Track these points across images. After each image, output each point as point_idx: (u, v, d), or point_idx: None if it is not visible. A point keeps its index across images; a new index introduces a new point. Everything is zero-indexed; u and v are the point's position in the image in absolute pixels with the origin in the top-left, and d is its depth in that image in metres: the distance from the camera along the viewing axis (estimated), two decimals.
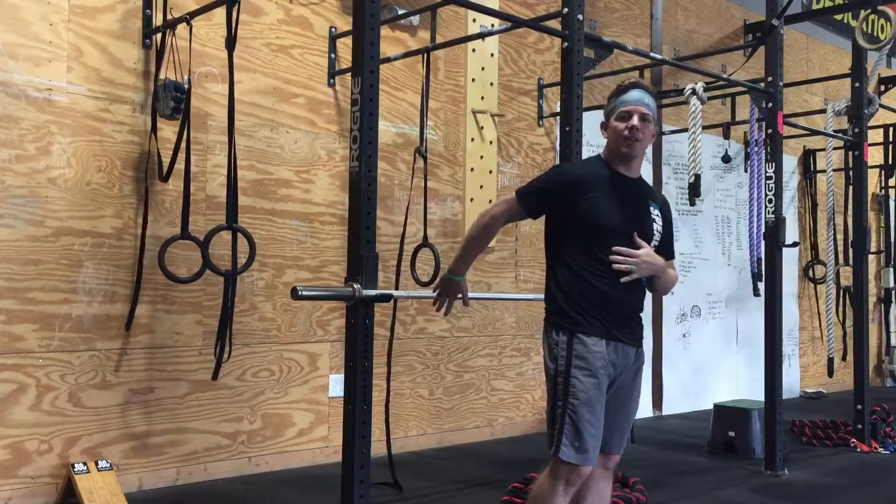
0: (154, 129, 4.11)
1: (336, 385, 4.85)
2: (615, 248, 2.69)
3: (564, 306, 2.72)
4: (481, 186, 5.64)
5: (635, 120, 2.74)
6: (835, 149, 6.68)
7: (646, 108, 2.77)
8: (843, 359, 7.37)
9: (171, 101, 3.98)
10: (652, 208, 2.84)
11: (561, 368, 2.67)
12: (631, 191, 2.81)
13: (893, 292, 8.89)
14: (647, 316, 6.79)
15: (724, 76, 5.50)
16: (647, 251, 2.72)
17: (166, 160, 4.10)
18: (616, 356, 2.71)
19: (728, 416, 5.41)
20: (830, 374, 6.53)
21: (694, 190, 5.16)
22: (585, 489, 2.84)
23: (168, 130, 4.19)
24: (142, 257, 4.08)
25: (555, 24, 4.10)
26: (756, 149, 6.11)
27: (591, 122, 6.32)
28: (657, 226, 2.83)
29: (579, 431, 2.61)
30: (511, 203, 2.83)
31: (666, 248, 2.89)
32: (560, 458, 2.63)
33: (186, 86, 4.02)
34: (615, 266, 2.68)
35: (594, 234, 2.71)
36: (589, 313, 2.68)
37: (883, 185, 8.41)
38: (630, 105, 2.76)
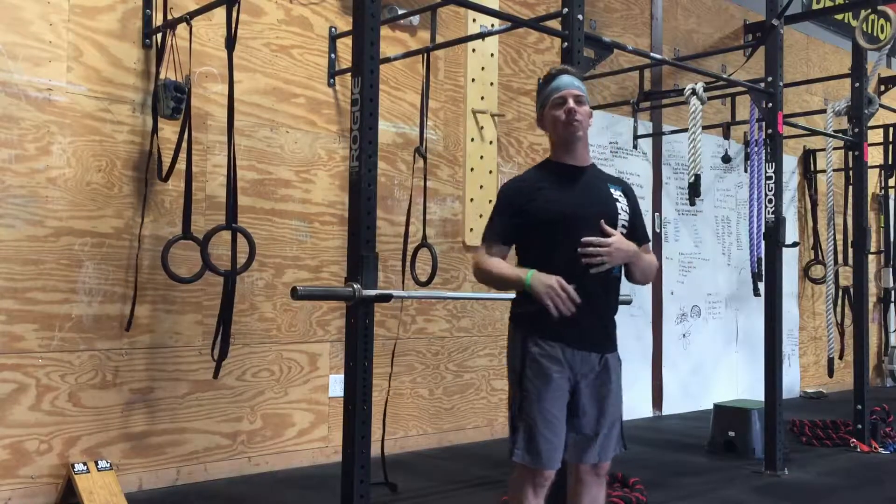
0: (155, 128, 4.11)
1: (336, 385, 4.85)
2: (584, 240, 2.59)
3: (523, 308, 2.71)
4: (481, 186, 5.64)
5: (571, 102, 2.69)
6: (835, 149, 6.68)
7: (577, 90, 2.73)
8: (840, 358, 7.37)
9: (172, 101, 3.98)
10: (613, 190, 2.75)
11: (517, 369, 2.67)
12: (583, 178, 2.74)
13: (893, 292, 8.89)
14: (647, 316, 6.78)
15: (724, 76, 5.51)
16: (617, 238, 2.63)
17: (167, 160, 4.10)
18: (575, 361, 2.64)
19: (728, 416, 5.41)
20: (830, 374, 6.53)
21: (694, 190, 5.16)
22: (578, 496, 2.81)
23: (168, 130, 4.19)
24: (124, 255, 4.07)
25: (555, 24, 4.10)
26: (756, 149, 6.11)
27: (592, 122, 6.34)
28: (622, 205, 2.73)
29: (532, 436, 2.60)
30: (485, 249, 2.75)
31: (636, 232, 2.78)
32: (514, 460, 2.63)
33: (186, 86, 4.02)
34: (585, 260, 2.58)
35: (551, 231, 2.65)
36: (547, 317, 2.61)
37: (883, 185, 8.41)
38: (562, 90, 2.71)
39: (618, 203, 2.72)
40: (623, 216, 2.71)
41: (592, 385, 2.68)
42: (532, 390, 2.61)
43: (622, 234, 2.68)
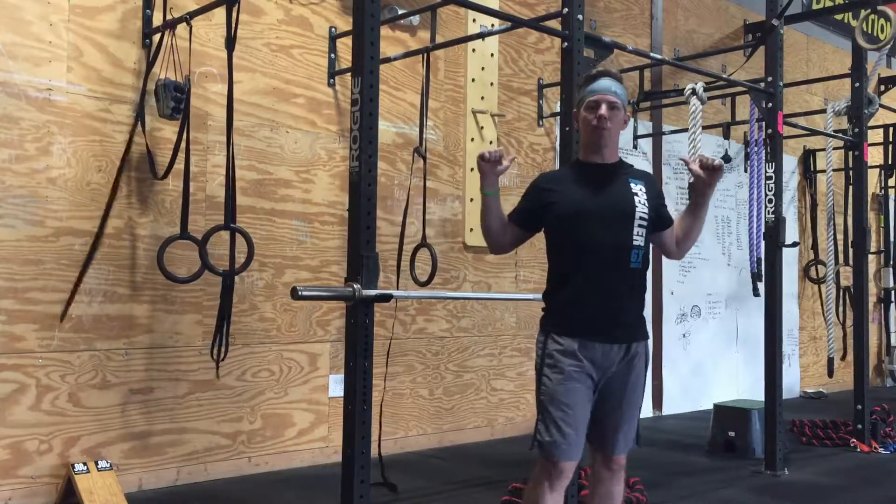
0: (142, 125, 4.10)
1: (336, 385, 4.85)
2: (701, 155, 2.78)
3: (547, 306, 2.84)
4: None
5: (603, 109, 2.77)
6: (835, 149, 6.67)
7: (613, 96, 2.79)
8: (843, 358, 7.37)
9: (171, 101, 3.98)
10: (633, 185, 2.83)
11: (538, 366, 2.78)
12: (605, 175, 2.83)
13: (893, 292, 8.89)
14: (647, 316, 6.77)
15: (724, 76, 5.50)
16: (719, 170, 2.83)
17: (165, 160, 4.10)
18: (595, 356, 2.72)
19: (728, 416, 5.41)
20: (830, 374, 6.53)
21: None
22: (593, 490, 2.86)
23: (168, 130, 4.19)
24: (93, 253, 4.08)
25: (555, 24, 4.10)
26: (756, 149, 6.10)
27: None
28: (639, 199, 2.80)
29: (547, 428, 2.69)
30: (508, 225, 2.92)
31: (663, 220, 2.91)
32: (532, 452, 2.73)
33: (186, 86, 4.02)
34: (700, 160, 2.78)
35: (565, 227, 2.77)
36: (565, 313, 2.74)
37: (883, 185, 8.41)
38: (598, 94, 2.79)
39: (636, 197, 2.80)
40: (641, 208, 2.79)
41: (617, 378, 2.77)
42: (548, 384, 2.71)
43: (642, 225, 2.78)
